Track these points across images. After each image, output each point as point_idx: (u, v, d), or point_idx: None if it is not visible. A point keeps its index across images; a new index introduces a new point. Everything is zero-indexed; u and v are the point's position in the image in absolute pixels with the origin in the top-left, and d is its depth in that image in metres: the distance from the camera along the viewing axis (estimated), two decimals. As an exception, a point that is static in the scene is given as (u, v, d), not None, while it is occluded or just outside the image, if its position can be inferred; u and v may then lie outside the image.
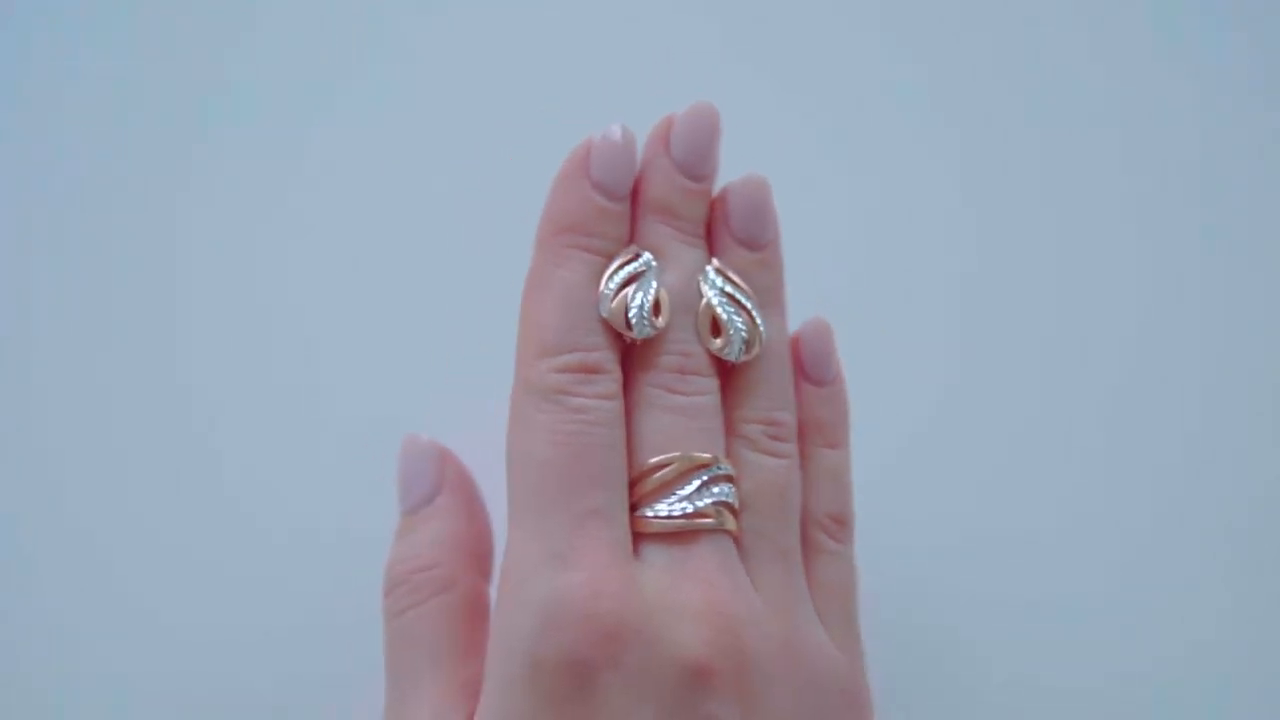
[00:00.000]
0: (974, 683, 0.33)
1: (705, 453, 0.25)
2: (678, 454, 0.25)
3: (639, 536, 0.25)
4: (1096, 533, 0.34)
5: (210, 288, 0.36)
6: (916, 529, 0.34)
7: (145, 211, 0.36)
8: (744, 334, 0.26)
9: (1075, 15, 0.39)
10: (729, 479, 0.25)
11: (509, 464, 0.25)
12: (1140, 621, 0.34)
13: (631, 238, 0.27)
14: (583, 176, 0.26)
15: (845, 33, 0.39)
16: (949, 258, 0.37)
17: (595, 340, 0.26)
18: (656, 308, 0.26)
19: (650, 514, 0.25)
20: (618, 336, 0.26)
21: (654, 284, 0.26)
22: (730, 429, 0.26)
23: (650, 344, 0.26)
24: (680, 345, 0.26)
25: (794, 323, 0.29)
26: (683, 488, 0.25)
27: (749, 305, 0.27)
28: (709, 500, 0.25)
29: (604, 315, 0.26)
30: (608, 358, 0.26)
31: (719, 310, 0.26)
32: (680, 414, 0.26)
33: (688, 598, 0.24)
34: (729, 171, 0.28)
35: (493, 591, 0.27)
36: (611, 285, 0.26)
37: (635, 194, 0.27)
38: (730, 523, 0.25)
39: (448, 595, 0.27)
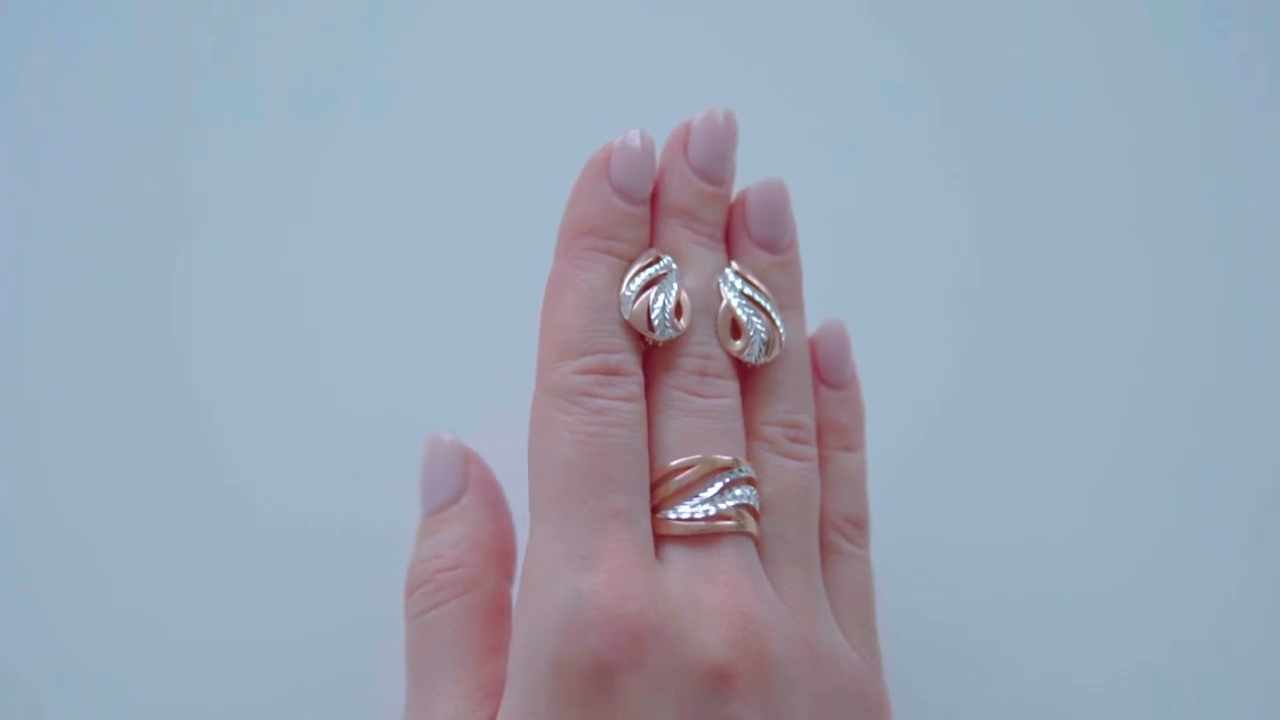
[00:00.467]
0: (988, 683, 0.33)
1: (726, 455, 0.25)
2: (699, 456, 0.25)
3: (660, 539, 0.25)
4: (1109, 531, 0.34)
5: (226, 290, 0.35)
6: (922, 529, 0.34)
7: (160, 210, 0.36)
8: (764, 336, 0.27)
9: (1078, 16, 0.39)
10: (750, 481, 0.25)
11: (531, 465, 0.26)
12: (1155, 618, 0.34)
13: (651, 241, 0.27)
14: (603, 181, 0.27)
15: (861, 37, 0.39)
16: (957, 259, 0.37)
17: (617, 342, 0.26)
18: (678, 310, 0.26)
19: (672, 516, 0.25)
20: (639, 339, 0.26)
21: (675, 286, 0.26)
22: (751, 431, 0.27)
23: (671, 346, 0.26)
24: (701, 347, 0.26)
25: (811, 325, 0.29)
26: (704, 490, 0.25)
27: (768, 307, 0.27)
28: (730, 503, 0.25)
29: (626, 317, 0.26)
30: (629, 360, 0.26)
31: (739, 312, 0.27)
32: (701, 416, 0.26)
33: (709, 599, 0.24)
34: (745, 175, 0.28)
35: (515, 593, 0.27)
36: (633, 288, 0.26)
37: (654, 198, 0.27)
38: (751, 525, 0.25)
39: (470, 596, 0.27)
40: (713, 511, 0.25)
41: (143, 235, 0.36)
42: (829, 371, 0.29)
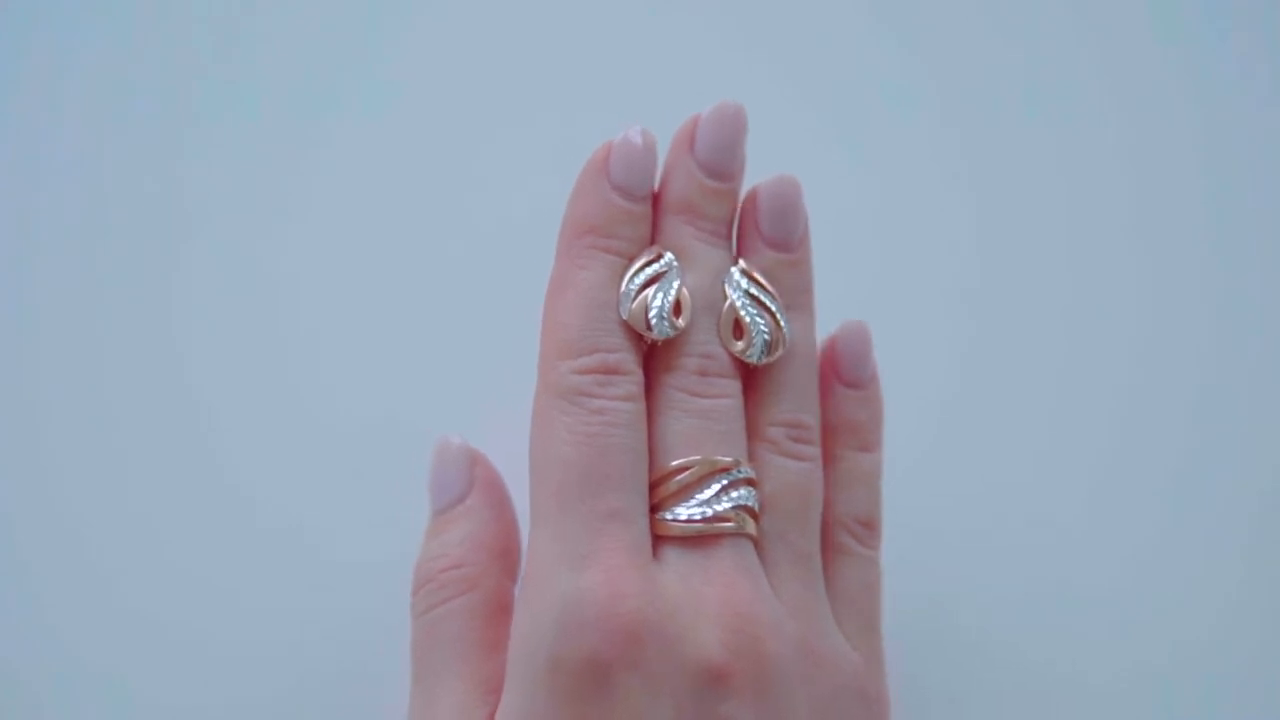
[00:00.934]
0: (989, 682, 0.33)
1: (726, 456, 0.25)
2: (698, 457, 0.25)
3: (659, 539, 0.25)
4: (1110, 530, 0.34)
5: (226, 290, 0.35)
6: (922, 529, 0.34)
7: (160, 210, 0.36)
8: (766, 336, 0.26)
9: (1078, 16, 0.39)
10: (750, 482, 0.25)
11: (531, 465, 0.26)
12: (1156, 617, 0.34)
13: (656, 239, 0.27)
14: (603, 179, 0.27)
15: (861, 37, 0.39)
16: (957, 259, 0.37)
17: (616, 341, 0.26)
18: (677, 308, 0.26)
19: (670, 518, 0.25)
20: (639, 338, 0.26)
21: (675, 284, 0.26)
22: (753, 432, 0.27)
23: (672, 345, 0.26)
24: (702, 347, 0.26)
25: (826, 323, 0.29)
26: (703, 491, 0.25)
27: (773, 307, 0.27)
28: (729, 504, 0.25)
29: (624, 316, 0.26)
30: (628, 359, 0.26)
31: (742, 312, 0.26)
32: (701, 417, 0.26)
33: (707, 600, 0.24)
34: (745, 176, 0.28)
35: (518, 591, 0.28)
36: (632, 286, 0.26)
37: (659, 197, 0.27)
38: (750, 526, 0.25)
39: (474, 594, 0.27)
40: (711, 513, 0.25)
41: (143, 235, 0.36)
42: (849, 371, 0.29)
